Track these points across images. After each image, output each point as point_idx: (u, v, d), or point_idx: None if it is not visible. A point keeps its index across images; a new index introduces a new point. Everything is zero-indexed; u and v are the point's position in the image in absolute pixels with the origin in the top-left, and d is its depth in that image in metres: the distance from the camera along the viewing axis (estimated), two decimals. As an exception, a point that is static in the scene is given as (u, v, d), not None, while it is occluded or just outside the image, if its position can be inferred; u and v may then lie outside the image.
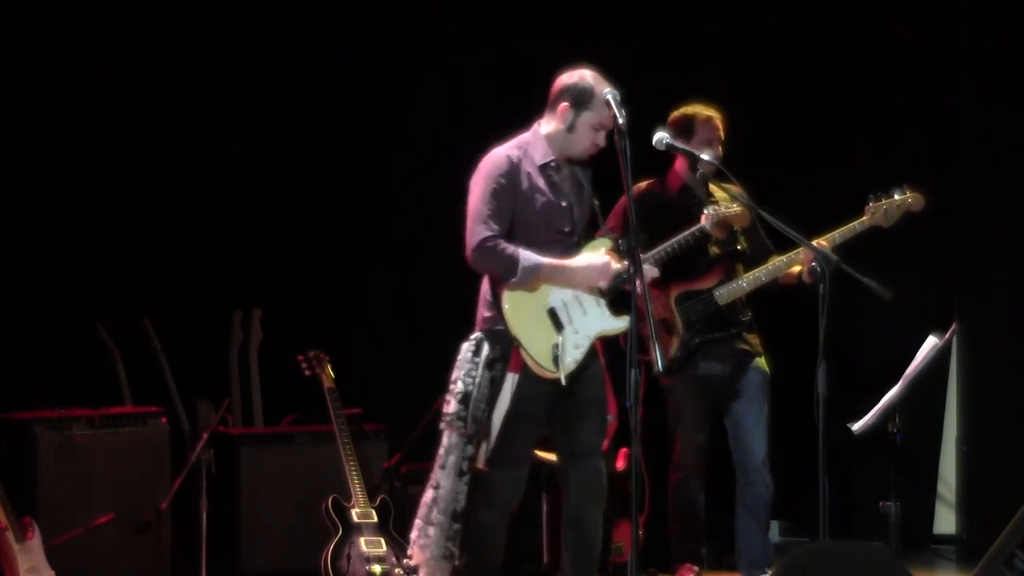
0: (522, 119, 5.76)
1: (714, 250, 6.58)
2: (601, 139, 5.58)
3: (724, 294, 6.59)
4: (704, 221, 6.38)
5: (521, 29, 8.06)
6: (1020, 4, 7.80)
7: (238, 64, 7.78)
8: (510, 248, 5.49)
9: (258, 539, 7.07)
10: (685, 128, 6.52)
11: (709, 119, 6.57)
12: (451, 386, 5.55)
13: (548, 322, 5.52)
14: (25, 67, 7.34)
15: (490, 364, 5.50)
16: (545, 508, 7.05)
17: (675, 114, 6.59)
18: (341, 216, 7.95)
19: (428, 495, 5.59)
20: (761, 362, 6.68)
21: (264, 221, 7.83)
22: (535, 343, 5.49)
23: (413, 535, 5.60)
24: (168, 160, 7.65)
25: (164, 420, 7.00)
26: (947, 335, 6.46)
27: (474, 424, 5.48)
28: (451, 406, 5.53)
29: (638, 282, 5.11)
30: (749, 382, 6.64)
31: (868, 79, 8.13)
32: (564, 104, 5.57)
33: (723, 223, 6.45)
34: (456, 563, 5.58)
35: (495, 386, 5.50)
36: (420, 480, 7.22)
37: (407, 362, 7.88)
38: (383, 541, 6.74)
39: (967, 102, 8.02)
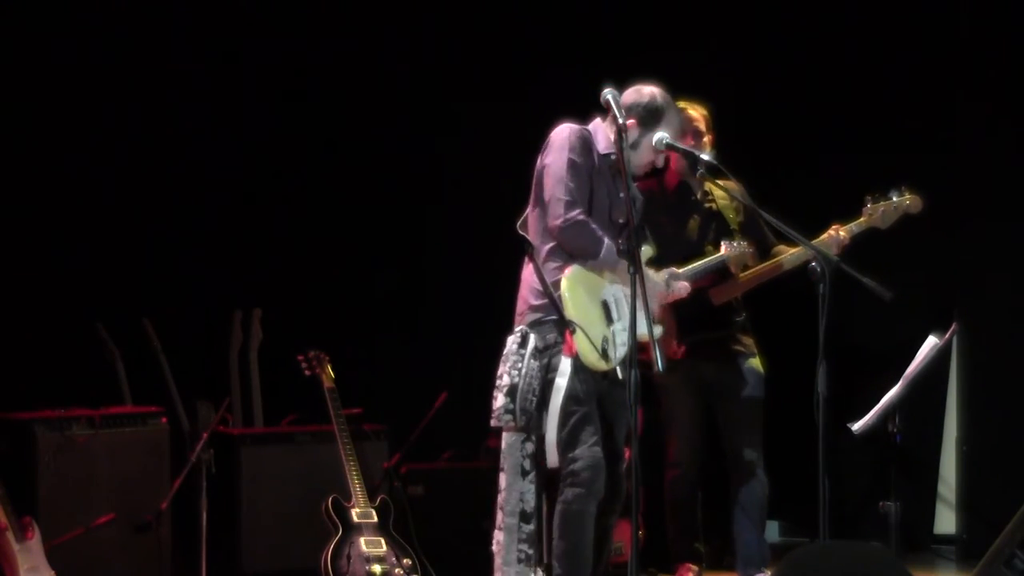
0: (521, 117, 5.75)
1: (709, 250, 6.57)
2: (661, 159, 5.56)
3: (718, 294, 6.60)
4: (724, 252, 6.40)
5: (516, 28, 8.07)
6: (1021, 5, 7.80)
7: (240, 65, 7.78)
8: (600, 230, 5.47)
9: (258, 539, 7.07)
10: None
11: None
12: (497, 381, 5.46)
13: (601, 313, 5.49)
14: (26, 66, 7.33)
15: (536, 354, 5.43)
16: (544, 508, 7.02)
17: None
18: (341, 216, 7.94)
19: (498, 499, 5.49)
20: (755, 362, 6.69)
21: (264, 221, 7.83)
22: (590, 330, 5.42)
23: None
24: (168, 160, 7.64)
25: (164, 420, 6.99)
26: (947, 335, 6.45)
27: (523, 416, 5.40)
28: (498, 400, 5.44)
29: (638, 282, 5.10)
30: (743, 382, 6.65)
31: (870, 79, 8.13)
32: (631, 120, 5.52)
33: (741, 260, 6.49)
34: (539, 567, 5.45)
35: (545, 374, 5.42)
36: (420, 480, 7.27)
37: (407, 362, 7.87)
38: (383, 541, 6.73)
39: (968, 102, 8.01)
